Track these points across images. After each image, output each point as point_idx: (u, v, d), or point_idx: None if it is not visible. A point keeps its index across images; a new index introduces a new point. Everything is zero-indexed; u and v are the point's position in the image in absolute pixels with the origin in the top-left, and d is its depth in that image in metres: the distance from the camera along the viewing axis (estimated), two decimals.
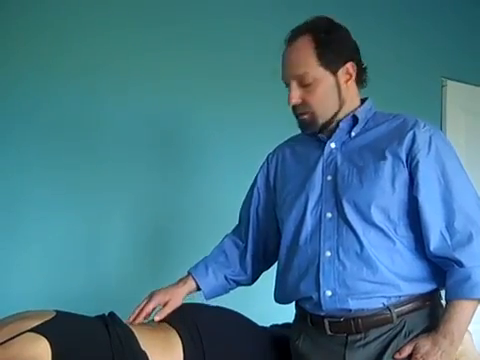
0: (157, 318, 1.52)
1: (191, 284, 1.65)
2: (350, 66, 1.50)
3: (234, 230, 1.78)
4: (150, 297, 1.59)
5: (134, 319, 1.53)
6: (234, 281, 1.71)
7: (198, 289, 1.66)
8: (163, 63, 2.30)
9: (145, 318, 1.56)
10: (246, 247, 1.72)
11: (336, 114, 1.51)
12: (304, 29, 1.50)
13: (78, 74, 2.14)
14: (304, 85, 1.48)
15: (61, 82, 2.12)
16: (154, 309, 1.58)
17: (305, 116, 1.51)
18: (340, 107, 1.51)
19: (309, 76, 1.47)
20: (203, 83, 2.35)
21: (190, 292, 1.65)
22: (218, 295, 1.70)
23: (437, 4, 3.06)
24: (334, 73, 1.49)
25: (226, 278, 1.69)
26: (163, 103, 2.29)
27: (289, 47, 1.51)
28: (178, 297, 1.60)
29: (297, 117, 1.53)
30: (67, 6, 2.15)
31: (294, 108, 1.52)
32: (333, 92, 1.50)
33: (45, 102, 2.09)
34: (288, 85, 1.51)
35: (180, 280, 1.66)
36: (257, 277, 1.76)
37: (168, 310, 1.55)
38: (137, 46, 2.25)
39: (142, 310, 1.55)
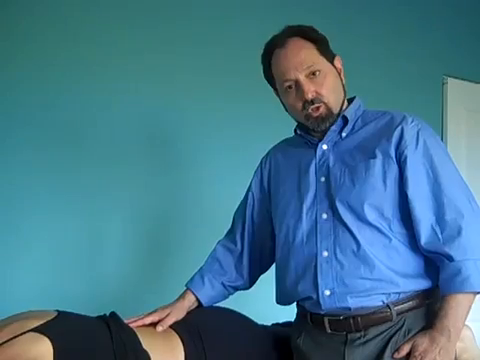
0: (160, 328, 1.51)
1: (190, 298, 1.64)
2: (337, 60, 1.55)
3: (227, 235, 1.77)
4: (152, 312, 1.57)
5: (128, 322, 1.51)
6: (231, 287, 1.71)
7: (198, 301, 1.65)
8: (161, 63, 2.30)
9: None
10: (242, 252, 1.71)
11: (342, 104, 1.53)
12: (289, 33, 1.52)
13: (76, 75, 2.15)
14: (313, 78, 1.48)
15: (59, 83, 2.13)
16: (152, 323, 1.55)
17: (320, 110, 1.49)
18: (344, 97, 1.54)
19: (316, 67, 1.48)
20: (200, 82, 2.36)
21: (191, 306, 1.64)
22: (218, 302, 1.70)
23: (438, 2, 3.05)
24: (332, 64, 1.52)
25: (223, 285, 1.69)
26: (161, 103, 2.30)
27: (284, 49, 1.51)
28: (179, 311, 1.59)
29: (310, 115, 1.50)
30: (64, 8, 2.16)
31: (309, 103, 1.48)
32: (338, 81, 1.53)
33: (45, 104, 2.10)
34: (295, 85, 1.49)
35: (180, 296, 1.65)
36: (254, 281, 1.76)
37: (169, 321, 1.54)
38: (135, 47, 2.26)
39: (139, 320, 1.53)
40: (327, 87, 1.49)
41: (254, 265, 1.73)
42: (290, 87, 1.51)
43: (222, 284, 1.68)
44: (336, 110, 1.51)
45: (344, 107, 1.55)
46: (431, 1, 3.03)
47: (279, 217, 1.59)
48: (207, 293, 1.66)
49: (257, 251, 1.72)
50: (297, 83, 1.49)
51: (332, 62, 1.53)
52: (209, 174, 2.37)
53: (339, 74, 1.55)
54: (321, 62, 1.49)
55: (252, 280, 1.74)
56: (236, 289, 1.73)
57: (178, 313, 1.58)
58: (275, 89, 1.60)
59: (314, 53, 1.50)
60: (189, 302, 1.64)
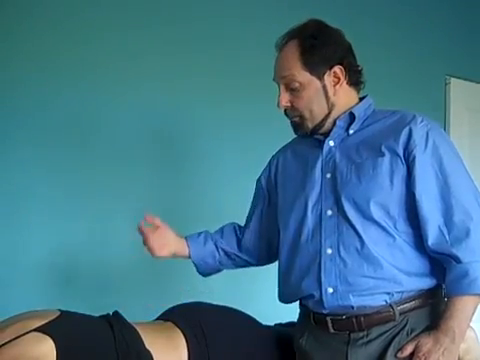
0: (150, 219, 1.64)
1: (183, 244, 1.70)
2: (338, 70, 1.51)
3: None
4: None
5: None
6: (223, 251, 1.74)
7: (189, 251, 1.71)
8: (164, 63, 2.30)
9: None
10: (242, 242, 1.75)
11: (326, 117, 1.52)
12: (292, 34, 1.53)
13: (78, 75, 2.15)
14: (291, 89, 1.51)
15: (61, 83, 2.12)
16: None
17: (295, 119, 1.55)
18: (329, 110, 1.52)
19: (295, 80, 1.50)
20: (204, 83, 2.36)
21: (181, 248, 1.70)
22: (206, 263, 1.73)
23: (440, 2, 3.05)
24: (320, 77, 1.50)
25: (216, 245, 1.73)
26: (164, 103, 2.30)
27: (279, 54, 1.55)
28: (168, 229, 1.67)
29: (289, 119, 1.57)
30: (66, 8, 2.15)
31: (285, 111, 1.56)
32: (320, 96, 1.51)
33: (46, 103, 2.10)
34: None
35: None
36: (243, 264, 1.79)
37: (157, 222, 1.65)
38: (137, 47, 2.26)
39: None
40: (302, 101, 1.51)
41: (251, 256, 1.76)
42: (279, 87, 1.56)
43: (215, 244, 1.73)
44: (312, 123, 1.53)
45: (354, 104, 1.55)
46: (434, 1, 3.03)
47: (285, 214, 1.60)
48: (197, 244, 1.71)
49: (264, 247, 1.74)
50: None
51: (322, 73, 1.50)
52: (215, 175, 2.37)
53: (325, 88, 1.51)
54: (302, 75, 1.50)
55: (242, 263, 1.78)
56: (228, 256, 1.75)
57: (166, 229, 1.67)
58: None
59: (297, 65, 1.50)
60: (179, 241, 1.69)
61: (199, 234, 1.73)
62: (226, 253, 1.74)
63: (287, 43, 1.53)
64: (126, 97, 2.23)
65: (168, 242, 1.67)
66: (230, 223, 1.80)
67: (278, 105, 1.54)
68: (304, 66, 1.49)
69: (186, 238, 1.72)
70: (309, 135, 1.56)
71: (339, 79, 1.51)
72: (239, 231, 1.77)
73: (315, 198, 1.52)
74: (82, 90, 2.16)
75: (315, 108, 1.51)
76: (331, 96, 1.51)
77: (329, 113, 1.52)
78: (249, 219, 1.77)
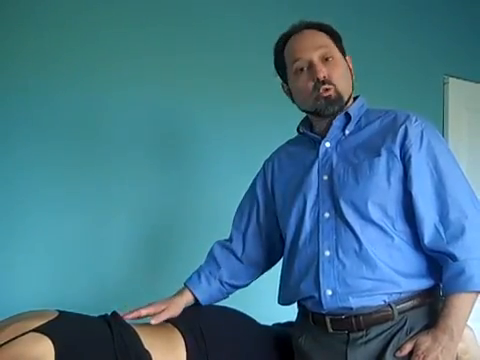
0: (153, 321, 1.51)
1: (188, 295, 1.64)
2: (349, 59, 1.58)
3: (229, 238, 1.75)
4: (148, 304, 1.58)
5: (124, 315, 1.50)
6: (229, 285, 1.70)
7: (196, 299, 1.65)
8: (164, 63, 2.30)
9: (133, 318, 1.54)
10: (243, 253, 1.71)
11: (347, 101, 1.53)
12: (307, 25, 1.56)
13: (79, 74, 2.15)
14: (326, 62, 1.51)
15: (62, 82, 2.12)
16: (147, 316, 1.56)
17: (330, 92, 1.49)
18: (351, 92, 1.55)
19: (330, 52, 1.52)
20: (204, 83, 2.35)
21: (188, 302, 1.63)
22: (216, 300, 1.69)
23: (439, 2, 3.06)
24: (346, 59, 1.56)
25: (220, 281, 1.68)
26: (164, 103, 2.30)
27: (300, 34, 1.55)
28: (175, 307, 1.58)
29: (320, 96, 1.50)
30: (67, 8, 2.15)
31: (320, 83, 1.49)
32: (348, 73, 1.56)
33: (47, 102, 2.10)
34: (307, 67, 1.50)
35: (177, 292, 1.65)
36: (254, 279, 1.75)
37: (164, 316, 1.54)
38: (138, 46, 2.26)
39: (135, 311, 1.54)
40: (338, 73, 1.51)
41: (255, 266, 1.73)
42: (302, 69, 1.52)
43: (219, 281, 1.68)
44: (345, 97, 1.52)
45: (349, 104, 1.55)
46: (433, 1, 3.03)
47: (284, 218, 1.59)
48: (203, 290, 1.66)
49: (261, 254, 1.72)
50: (310, 64, 1.51)
51: (345, 56, 1.57)
52: (212, 174, 2.37)
53: (349, 68, 1.57)
54: (335, 51, 1.53)
55: (252, 278, 1.75)
56: (235, 287, 1.72)
57: (174, 309, 1.58)
58: (284, 80, 1.61)
59: (329, 41, 1.54)
60: (187, 298, 1.64)
61: (199, 276, 1.67)
62: (232, 285, 1.71)
63: (307, 29, 1.55)
64: (126, 96, 2.23)
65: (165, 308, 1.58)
66: (218, 246, 1.72)
67: (318, 76, 1.47)
68: (335, 44, 1.54)
69: (187, 286, 1.66)
70: (310, 132, 1.57)
71: (351, 69, 1.58)
72: (232, 248, 1.71)
73: (312, 200, 1.52)
74: (82, 89, 2.16)
75: (346, 82, 1.54)
76: (353, 79, 1.56)
77: (351, 95, 1.55)
78: (245, 229, 1.72)
